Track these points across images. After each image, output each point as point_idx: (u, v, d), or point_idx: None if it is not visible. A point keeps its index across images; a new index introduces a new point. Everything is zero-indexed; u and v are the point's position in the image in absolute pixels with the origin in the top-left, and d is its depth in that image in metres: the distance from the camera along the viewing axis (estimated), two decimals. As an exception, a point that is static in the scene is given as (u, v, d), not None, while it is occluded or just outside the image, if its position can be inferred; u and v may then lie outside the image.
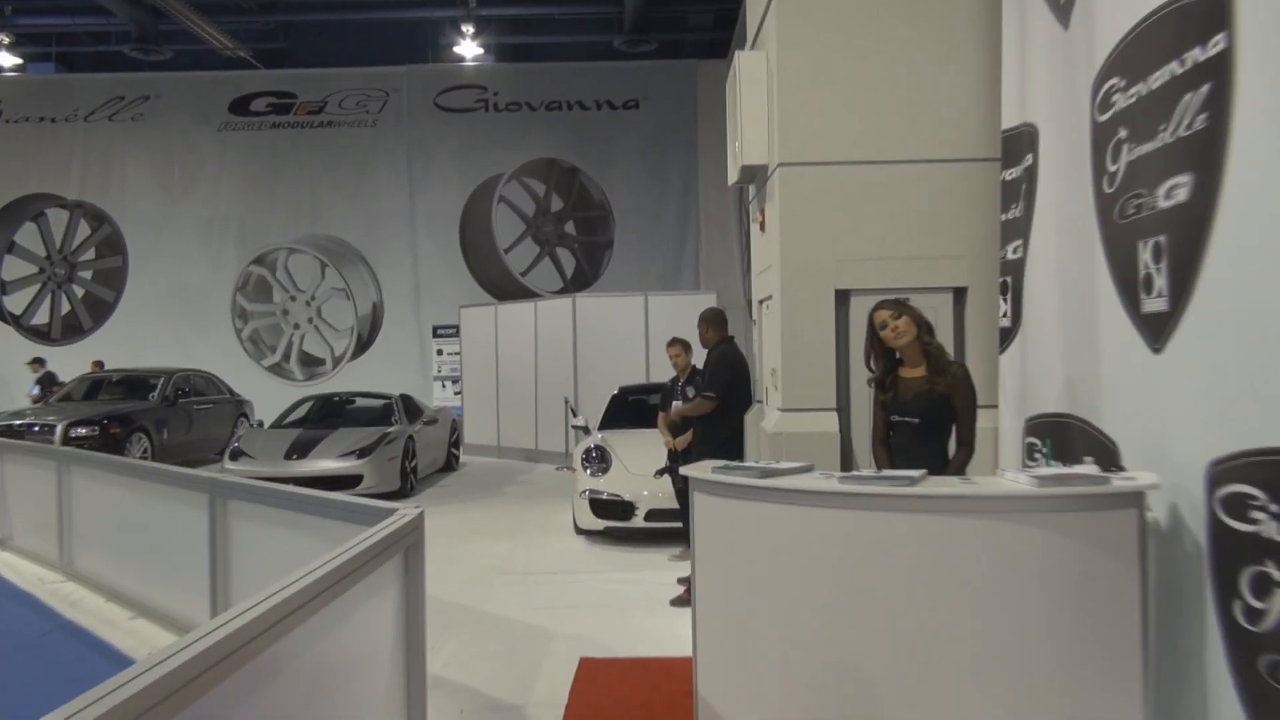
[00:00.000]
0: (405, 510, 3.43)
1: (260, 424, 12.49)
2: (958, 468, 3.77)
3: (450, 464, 13.25)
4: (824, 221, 5.68)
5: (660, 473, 7.10)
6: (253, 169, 18.35)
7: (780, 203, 5.75)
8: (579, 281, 17.99)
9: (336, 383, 17.32)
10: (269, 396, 15.83)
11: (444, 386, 17.27)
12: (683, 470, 3.95)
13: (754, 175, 6.59)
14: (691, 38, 18.49)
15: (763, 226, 6.37)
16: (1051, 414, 4.23)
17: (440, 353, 17.35)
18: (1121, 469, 3.51)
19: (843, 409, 5.78)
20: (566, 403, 13.48)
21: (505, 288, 17.81)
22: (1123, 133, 3.56)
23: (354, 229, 18.35)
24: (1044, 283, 4.36)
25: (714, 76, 18.09)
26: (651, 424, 8.86)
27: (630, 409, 9.59)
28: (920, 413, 3.81)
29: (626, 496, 7.67)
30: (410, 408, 12.19)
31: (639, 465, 7.86)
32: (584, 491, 7.86)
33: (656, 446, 7.28)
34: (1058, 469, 3.33)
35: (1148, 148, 3.36)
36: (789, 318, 5.81)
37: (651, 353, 13.69)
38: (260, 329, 18.37)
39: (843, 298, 5.81)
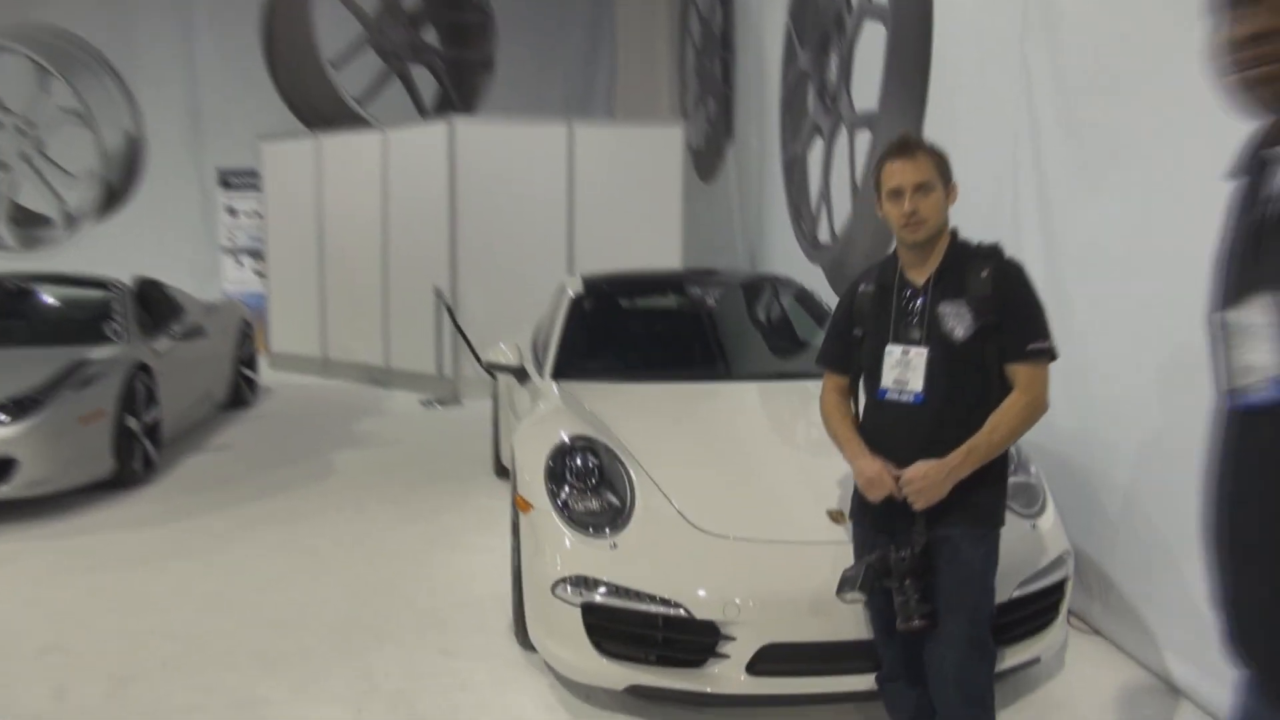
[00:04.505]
0: None
1: None
2: None
3: (242, 396, 7.86)
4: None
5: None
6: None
7: None
8: (444, 115, 12.34)
9: (73, 256, 11.27)
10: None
11: (240, 264, 11.54)
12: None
13: None
14: None
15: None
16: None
17: (233, 213, 11.52)
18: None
19: None
20: (439, 296, 8.27)
21: (333, 120, 11.96)
22: None
23: (92, 20, 11.92)
24: None
25: None
26: (690, 372, 4.10)
27: (618, 329, 4.58)
28: None
29: (698, 610, 2.71)
30: (157, 305, 6.65)
31: (703, 498, 2.96)
32: (564, 583, 2.84)
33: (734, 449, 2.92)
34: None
35: None
36: None
37: (579, 219, 8.58)
38: (-56, 169, 11.89)
39: None
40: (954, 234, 2.38)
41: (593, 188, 8.42)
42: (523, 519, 3.13)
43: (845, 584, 2.29)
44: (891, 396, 2.35)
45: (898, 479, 2.28)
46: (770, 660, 2.68)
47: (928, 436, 2.27)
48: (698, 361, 4.32)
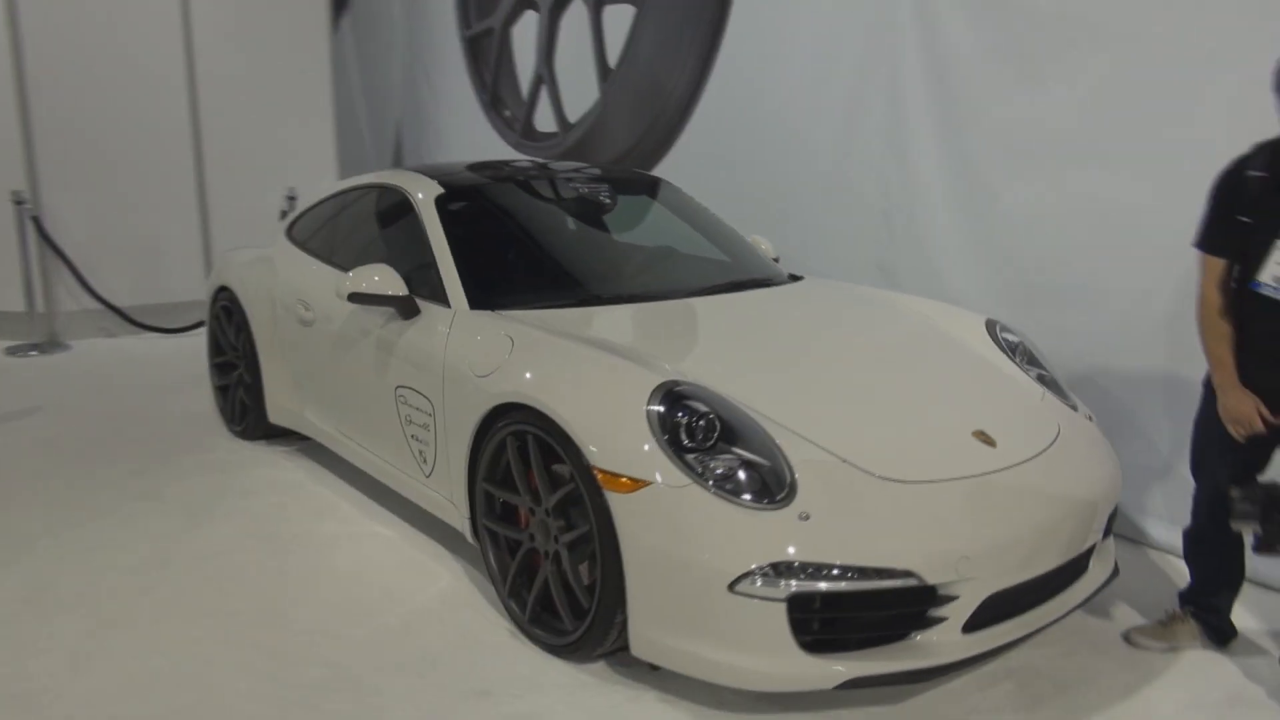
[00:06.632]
0: None
1: None
2: None
3: None
4: None
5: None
6: None
7: None
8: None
9: None
10: None
11: None
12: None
13: None
14: None
15: None
16: None
17: None
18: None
19: None
20: (19, 205, 6.14)
21: None
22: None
23: None
24: None
25: None
26: (662, 288, 3.53)
27: (532, 241, 3.62)
28: None
29: (930, 574, 2.24)
30: None
31: (854, 439, 2.48)
32: (754, 576, 2.19)
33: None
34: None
35: None
36: None
37: (205, 97, 6.90)
38: None
39: None
40: None
41: (218, 55, 6.68)
42: (619, 503, 2.34)
43: (1242, 516, 2.07)
44: (1267, 292, 2.21)
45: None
46: (987, 611, 2.36)
47: None
48: (662, 275, 3.67)
